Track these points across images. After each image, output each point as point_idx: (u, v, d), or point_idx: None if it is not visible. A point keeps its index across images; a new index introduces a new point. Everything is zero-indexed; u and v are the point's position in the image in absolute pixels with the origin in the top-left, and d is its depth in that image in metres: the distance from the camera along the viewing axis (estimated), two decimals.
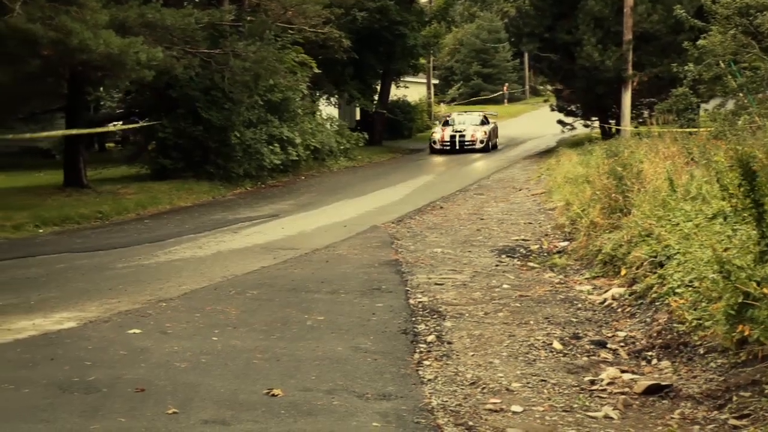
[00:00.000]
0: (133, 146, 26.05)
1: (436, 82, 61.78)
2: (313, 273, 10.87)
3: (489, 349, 7.22)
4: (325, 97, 35.24)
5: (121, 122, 27.86)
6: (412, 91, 46.85)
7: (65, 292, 9.79)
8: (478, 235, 13.75)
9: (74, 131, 20.40)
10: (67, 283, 10.44)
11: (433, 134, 35.55)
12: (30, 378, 6.32)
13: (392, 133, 41.99)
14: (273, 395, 5.95)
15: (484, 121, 36.17)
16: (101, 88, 25.36)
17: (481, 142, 34.06)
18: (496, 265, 11.17)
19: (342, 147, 30.19)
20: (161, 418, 5.43)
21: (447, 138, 34.23)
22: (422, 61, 46.63)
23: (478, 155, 32.90)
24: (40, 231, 15.45)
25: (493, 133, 35.93)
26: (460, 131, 34.47)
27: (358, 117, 42.56)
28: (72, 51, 16.12)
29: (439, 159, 32.51)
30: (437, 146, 34.38)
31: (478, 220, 15.49)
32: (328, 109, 35.45)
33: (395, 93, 43.20)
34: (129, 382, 6.20)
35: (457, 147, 33.76)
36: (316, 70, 27.77)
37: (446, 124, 36.17)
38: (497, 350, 7.19)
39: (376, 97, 40.17)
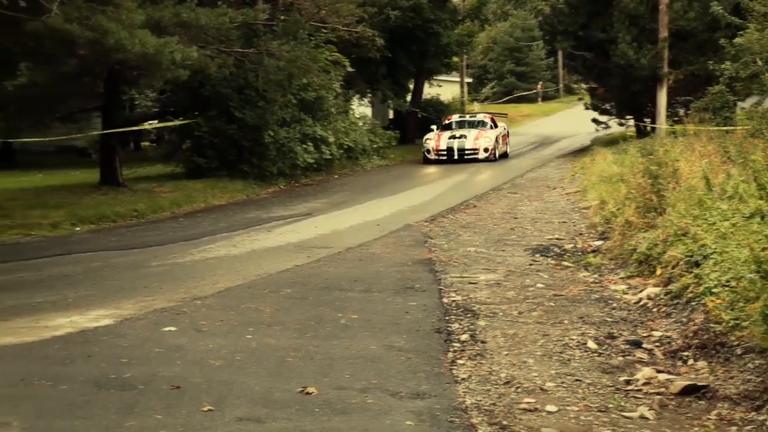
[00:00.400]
0: (168, 145, 26.21)
1: (470, 80, 61.64)
2: (347, 271, 10.89)
3: (523, 349, 7.19)
4: (358, 96, 35.24)
5: (156, 121, 28.08)
6: (445, 89, 46.75)
7: (101, 290, 9.88)
8: (512, 234, 13.71)
9: (110, 130, 20.57)
10: (103, 281, 10.53)
11: (427, 141, 29.67)
12: (67, 374, 6.38)
13: (425, 131, 41.89)
14: (307, 393, 5.97)
15: (492, 125, 30.94)
16: (136, 88, 25.53)
17: (486, 150, 28.72)
18: (530, 264, 11.12)
19: (375, 146, 30.21)
20: (196, 416, 5.47)
21: (443, 146, 28.88)
22: (455, 59, 46.50)
23: (512, 151, 32.48)
24: (77, 229, 15.60)
25: (502, 139, 30.42)
26: (460, 138, 29.15)
27: (391, 116, 42.54)
28: (108, 51, 16.26)
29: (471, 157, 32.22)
30: (431, 156, 28.97)
31: (511, 219, 15.44)
32: (361, 108, 35.47)
33: (428, 92, 43.14)
34: (164, 380, 6.24)
35: (456, 156, 28.53)
36: (350, 69, 27.81)
37: (446, 128, 30.96)
38: (531, 349, 7.16)
39: (408, 96, 40.15)
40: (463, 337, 7.61)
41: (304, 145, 24.06)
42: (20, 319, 8.33)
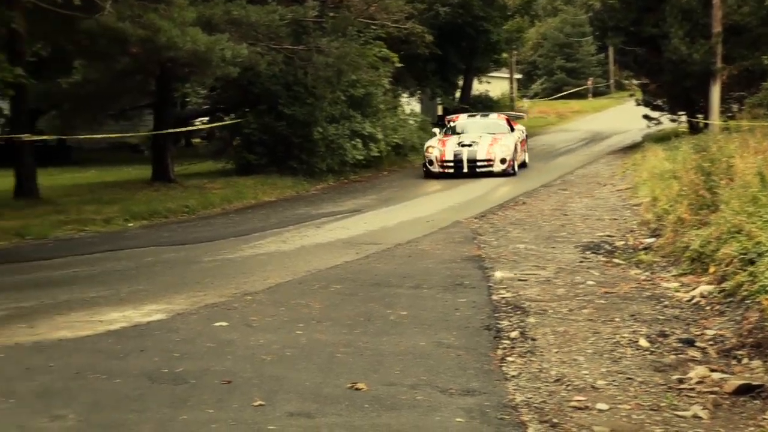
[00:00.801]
0: (219, 142, 26.41)
1: (519, 76, 61.36)
2: (396, 268, 10.90)
3: (573, 346, 7.14)
4: (406, 92, 35.23)
5: (206, 118, 28.31)
6: (494, 86, 46.60)
7: (154, 285, 10.00)
8: (562, 231, 13.62)
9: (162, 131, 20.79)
10: (155, 276, 10.66)
11: (428, 150, 23.22)
12: (121, 368, 6.47)
13: None
14: (357, 389, 5.98)
15: (508, 129, 24.62)
16: (188, 85, 25.79)
17: (504, 161, 22.54)
18: (581, 262, 11.04)
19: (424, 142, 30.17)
20: (247, 410, 5.51)
21: (449, 156, 22.68)
22: (505, 56, 46.31)
23: (562, 147, 32.14)
24: (130, 225, 15.80)
25: (520, 146, 24.19)
26: (471, 145, 22.89)
27: (440, 112, 42.50)
28: (160, 48, 16.45)
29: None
30: (434, 168, 22.77)
31: (561, 216, 15.34)
32: (410, 104, 35.45)
33: (477, 88, 43.01)
34: (216, 374, 6.30)
35: (466, 169, 22.47)
36: (398, 66, 27.81)
37: (450, 131, 24.77)
38: (582, 347, 7.12)
39: (457, 93, 40.05)
40: (513, 334, 7.58)
41: (353, 142, 24.11)
42: (75, 314, 8.46)
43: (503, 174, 22.32)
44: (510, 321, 8.04)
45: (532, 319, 8.07)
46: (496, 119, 25.78)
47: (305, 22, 22.51)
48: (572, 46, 70.05)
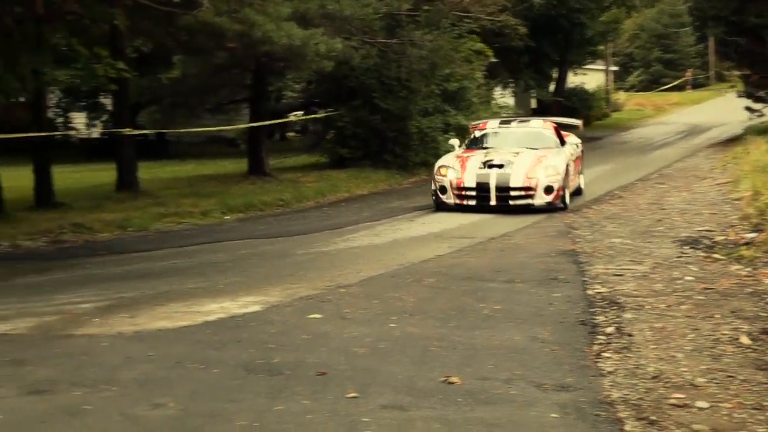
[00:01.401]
0: (313, 136, 26.68)
1: (615, 68, 60.34)
2: (489, 262, 10.85)
3: (671, 343, 7.00)
4: (500, 85, 35.01)
5: (301, 112, 28.61)
6: (589, 78, 45.94)
7: (249, 277, 10.15)
8: (659, 226, 13.36)
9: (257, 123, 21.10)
10: (251, 268, 10.82)
11: (440, 171, 16.21)
12: (219, 359, 6.59)
13: None
14: (450, 383, 5.98)
15: (557, 141, 17.34)
16: (283, 79, 26.08)
17: (549, 191, 15.52)
18: (678, 257, 10.82)
19: None
20: (342, 402, 5.56)
21: (470, 180, 15.75)
22: (600, 47, 45.60)
23: (659, 140, 31.39)
24: (226, 217, 16.07)
25: (574, 166, 17.01)
26: (501, 166, 15.87)
27: (533, 105, 42.11)
28: (255, 43, 16.66)
29: (618, 147, 31.43)
30: (448, 199, 15.89)
31: (658, 210, 15.05)
32: (503, 97, 35.21)
33: (572, 80, 42.48)
34: (310, 366, 6.37)
35: (493, 201, 15.54)
36: (492, 59, 27.65)
37: (474, 144, 17.63)
38: (680, 344, 6.97)
39: (552, 85, 39.63)
40: (609, 329, 7.47)
41: (446, 135, 24.07)
42: (174, 304, 8.65)
43: (547, 209, 15.30)
44: (606, 316, 7.93)
45: (628, 315, 7.94)
46: (541, 128, 17.79)
47: (399, 15, 22.54)
48: (670, 37, 68.58)
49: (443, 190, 15.94)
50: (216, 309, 8.42)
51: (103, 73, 15.20)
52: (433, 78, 23.65)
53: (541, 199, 15.49)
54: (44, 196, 16.45)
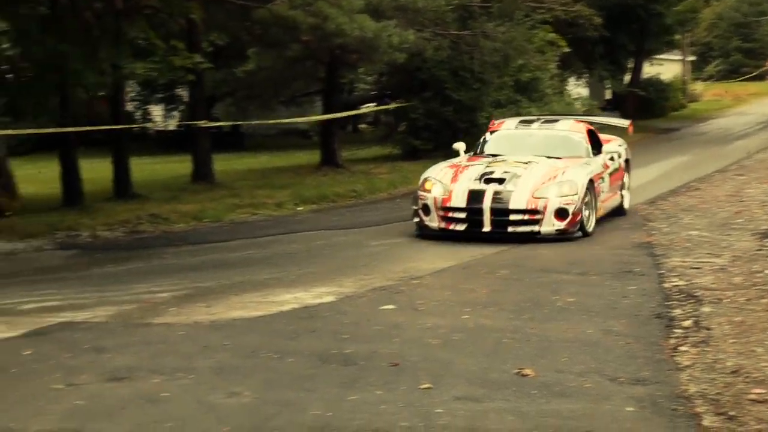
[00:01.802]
0: (385, 127, 26.75)
1: (693, 58, 59.23)
2: (563, 254, 10.76)
3: (752, 337, 6.86)
4: (574, 76, 34.62)
5: (373, 104, 28.69)
6: (665, 68, 45.16)
7: (323, 268, 10.23)
8: (738, 218, 13.09)
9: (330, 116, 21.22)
10: (324, 259, 10.90)
11: (425, 185, 12.38)
12: (293, 348, 6.65)
13: (644, 112, 40.59)
14: (524, 375, 5.95)
15: (588, 149, 13.44)
16: (355, 72, 26.18)
17: (561, 215, 11.81)
18: (758, 250, 10.58)
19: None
20: (415, 393, 5.56)
21: (458, 199, 11.97)
22: (677, 37, 44.79)
23: (739, 131, 30.68)
24: (300, 209, 16.20)
25: (610, 180, 13.36)
26: (501, 180, 12.07)
27: (607, 96, 41.56)
28: (329, 35, 16.77)
29: (695, 138, 30.80)
30: (431, 222, 12.09)
31: (737, 202, 14.74)
32: (577, 88, 34.84)
33: (648, 71, 41.83)
34: (383, 357, 6.39)
35: (488, 226, 11.80)
36: (565, 49, 27.36)
37: (482, 150, 13.77)
38: (761, 338, 6.82)
39: (627, 76, 39.07)
40: (686, 323, 7.35)
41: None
42: (248, 295, 8.75)
43: (559, 238, 11.73)
44: (683, 310, 7.81)
45: (706, 308, 7.80)
46: (568, 130, 13.77)
47: (471, 7, 22.45)
48: (750, 26, 67.03)
49: (426, 210, 12.06)
50: (290, 299, 8.50)
51: (180, 65, 15.43)
52: (505, 69, 23.49)
53: (550, 225, 11.67)
54: (122, 187, 16.78)
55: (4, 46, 15.76)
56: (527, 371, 6.01)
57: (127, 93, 23.71)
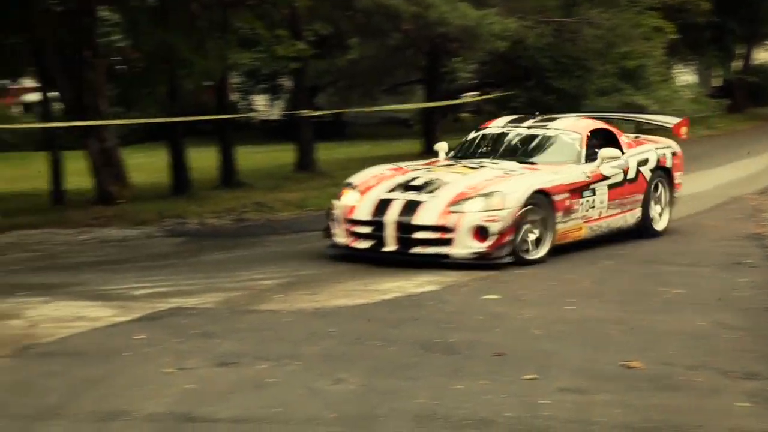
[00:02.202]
0: (487, 116, 26.58)
1: None
2: (669, 244, 10.58)
3: None
4: (681, 63, 33.84)
5: (473, 93, 28.56)
6: None
7: None
8: None
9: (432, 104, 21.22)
10: None
11: (343, 192, 10.41)
12: (396, 337, 6.68)
13: (756, 99, 39.41)
14: (630, 367, 5.86)
15: (579, 154, 10.68)
16: (456, 60, 26.10)
17: (482, 234, 9.35)
18: None
19: (699, 115, 28.91)
20: (519, 383, 5.54)
21: (364, 212, 9.89)
22: None
23: None
24: None
25: (607, 197, 10.64)
26: (420, 188, 9.91)
27: (717, 83, 40.48)
28: (431, 24, 16.80)
29: None
30: (339, 237, 10.11)
31: None
32: (685, 75, 34.04)
33: (759, 57, 40.59)
34: (487, 346, 6.37)
35: (392, 244, 9.63)
36: (672, 36, 26.76)
37: (462, 151, 11.49)
38: None
39: (736, 63, 37.98)
40: None
41: None
42: (351, 282, 8.82)
43: (478, 264, 9.34)
44: None
45: None
46: (561, 131, 11.07)
47: None
48: None
49: (336, 222, 10.20)
50: (392, 288, 8.54)
51: (283, 53, 15.63)
52: (609, 56, 23.12)
53: (463, 247, 9.35)
54: (228, 176, 17.12)
55: (116, 38, 16.24)
56: (634, 363, 5.92)
57: (231, 83, 24.14)
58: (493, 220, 9.31)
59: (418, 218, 9.52)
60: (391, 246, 9.64)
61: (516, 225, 9.43)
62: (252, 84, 32.35)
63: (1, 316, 7.27)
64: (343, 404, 5.12)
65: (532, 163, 10.58)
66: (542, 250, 9.75)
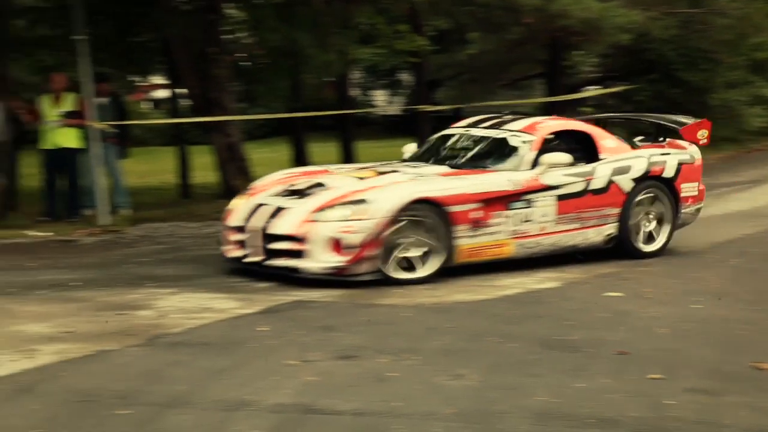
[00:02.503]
0: (609, 110, 26.09)
1: None
2: None
3: None
4: None
5: (595, 86, 28.05)
6: None
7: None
8: None
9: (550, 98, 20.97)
10: None
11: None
12: (517, 333, 6.64)
13: None
14: (760, 369, 5.68)
15: (523, 159, 9.33)
16: (577, 54, 25.71)
17: (337, 246, 8.31)
18: None
19: None
20: (644, 383, 5.42)
21: (238, 218, 9.02)
22: None
23: None
24: None
25: (555, 210, 9.30)
26: (303, 193, 9.01)
27: None
28: (552, 17, 16.57)
29: None
30: (225, 245, 9.21)
31: None
32: None
33: None
34: (610, 344, 6.26)
35: (256, 254, 8.72)
36: None
37: (423, 153, 10.44)
38: None
39: None
40: None
41: (752, 109, 22.74)
42: (471, 278, 8.78)
43: (338, 281, 8.42)
44: None
45: None
46: (512, 133, 9.72)
47: None
48: None
49: (227, 228, 9.24)
50: (512, 284, 8.49)
51: (404, 49, 15.69)
52: (739, 48, 22.38)
53: (317, 260, 8.36)
54: None
55: (241, 34, 16.59)
56: (765, 365, 5.73)
57: (352, 78, 24.36)
58: (350, 231, 8.26)
59: (276, 227, 8.58)
60: (254, 256, 8.73)
61: (382, 238, 8.31)
62: (372, 79, 32.61)
63: (132, 306, 7.52)
64: (463, 400, 5.11)
65: (457, 168, 9.41)
66: (429, 268, 8.61)
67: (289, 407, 4.94)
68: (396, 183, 8.87)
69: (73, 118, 12.59)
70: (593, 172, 9.49)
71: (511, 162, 9.35)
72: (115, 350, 6.14)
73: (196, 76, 14.92)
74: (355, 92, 29.68)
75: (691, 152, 10.22)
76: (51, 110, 12.66)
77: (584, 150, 9.65)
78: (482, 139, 9.91)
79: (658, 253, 9.73)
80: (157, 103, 32.62)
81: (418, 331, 6.74)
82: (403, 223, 8.41)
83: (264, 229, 8.64)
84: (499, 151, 9.58)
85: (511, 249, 9.07)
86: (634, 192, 9.62)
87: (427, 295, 8.10)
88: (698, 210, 10.20)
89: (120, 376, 5.55)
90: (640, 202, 9.71)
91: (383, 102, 34.05)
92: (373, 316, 7.31)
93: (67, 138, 12.66)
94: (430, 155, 10.12)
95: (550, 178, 9.19)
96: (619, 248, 9.65)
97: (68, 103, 12.68)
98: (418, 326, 6.91)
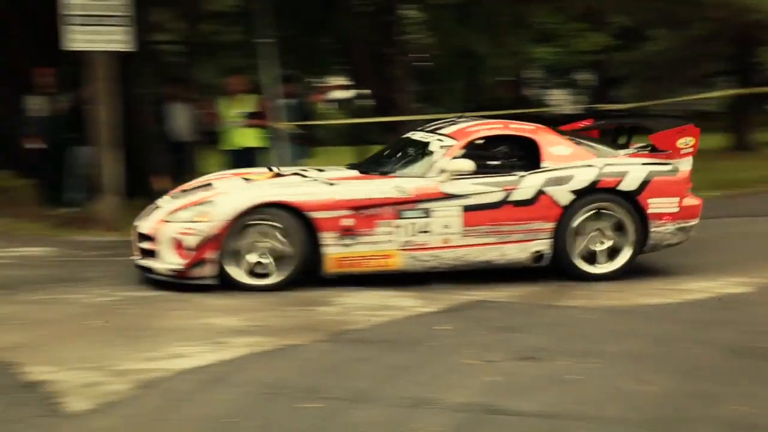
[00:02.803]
0: None
1: None
2: None
3: None
4: None
5: None
6: None
7: (735, 257, 9.75)
8: None
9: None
10: (736, 248, 10.38)
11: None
12: (704, 339, 6.44)
13: None
14: None
15: (432, 166, 8.56)
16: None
17: (179, 247, 8.07)
18: None
19: None
20: None
21: (146, 227, 8.47)
22: None
23: None
24: (710, 194, 15.48)
25: (461, 221, 8.41)
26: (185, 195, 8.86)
27: None
28: (741, 11, 15.96)
29: None
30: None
31: None
32: None
33: None
34: None
35: (140, 258, 8.51)
36: None
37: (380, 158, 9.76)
38: None
39: None
40: None
41: None
42: (653, 281, 8.56)
43: (184, 285, 8.13)
44: None
45: None
46: (436, 140, 8.92)
47: None
48: None
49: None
50: (697, 288, 8.23)
51: (585, 47, 15.47)
52: None
53: (164, 261, 8.16)
54: None
55: (417, 36, 16.78)
56: None
57: (529, 78, 24.21)
58: (189, 233, 8.00)
59: (141, 226, 8.50)
60: (139, 258, 8.51)
61: (221, 241, 7.96)
62: (548, 78, 32.25)
63: (317, 302, 7.72)
64: (648, 406, 5.01)
65: (371, 173, 8.87)
66: (278, 276, 8.14)
67: (471, 406, 4.97)
68: (253, 187, 8.55)
69: (254, 118, 12.98)
70: (517, 181, 8.48)
71: (419, 168, 8.69)
72: (301, 345, 6.33)
73: (374, 77, 15.19)
74: (532, 91, 29.47)
75: (675, 163, 8.91)
76: (230, 112, 13.09)
77: (528, 157, 8.72)
78: (413, 143, 9.31)
79: (611, 276, 8.57)
80: (339, 103, 33.35)
81: (600, 334, 6.64)
82: (251, 227, 8.07)
83: (136, 227, 8.62)
84: (417, 157, 8.94)
85: (398, 261, 8.38)
86: (573, 206, 8.46)
87: (610, 297, 7.96)
88: (682, 229, 8.87)
89: (306, 370, 5.73)
90: (586, 218, 8.57)
91: (560, 100, 33.63)
92: (554, 317, 7.25)
93: (248, 138, 13.03)
94: (374, 159, 9.68)
95: (453, 187, 8.38)
96: (557, 268, 8.62)
97: (248, 104, 13.09)
98: (600, 329, 6.81)
